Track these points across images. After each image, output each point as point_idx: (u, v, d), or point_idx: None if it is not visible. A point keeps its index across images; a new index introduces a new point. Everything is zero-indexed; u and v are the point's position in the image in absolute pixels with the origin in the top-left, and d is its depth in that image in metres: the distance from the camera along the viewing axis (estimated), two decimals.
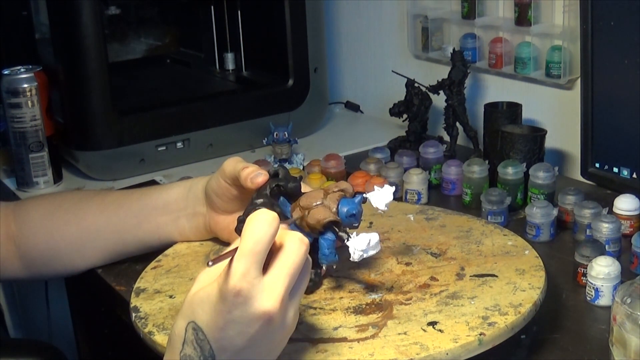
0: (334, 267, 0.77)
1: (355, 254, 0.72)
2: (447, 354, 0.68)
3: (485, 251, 0.87)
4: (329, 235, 0.74)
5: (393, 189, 0.77)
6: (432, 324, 0.72)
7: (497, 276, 0.81)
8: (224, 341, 0.60)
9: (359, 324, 0.73)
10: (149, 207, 0.91)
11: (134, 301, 0.80)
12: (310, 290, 0.78)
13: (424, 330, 0.71)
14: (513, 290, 0.78)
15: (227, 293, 0.59)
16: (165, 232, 0.91)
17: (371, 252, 0.72)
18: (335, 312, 0.75)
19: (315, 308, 0.76)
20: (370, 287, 0.80)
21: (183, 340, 0.61)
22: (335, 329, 0.72)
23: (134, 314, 0.77)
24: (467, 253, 0.87)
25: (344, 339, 0.70)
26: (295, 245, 0.62)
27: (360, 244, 0.72)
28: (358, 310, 0.75)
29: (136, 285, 0.84)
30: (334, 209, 0.74)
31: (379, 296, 0.78)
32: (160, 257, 0.90)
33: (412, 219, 0.96)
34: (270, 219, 0.60)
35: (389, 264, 0.85)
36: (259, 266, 0.60)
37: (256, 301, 0.59)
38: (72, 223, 0.92)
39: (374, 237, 0.72)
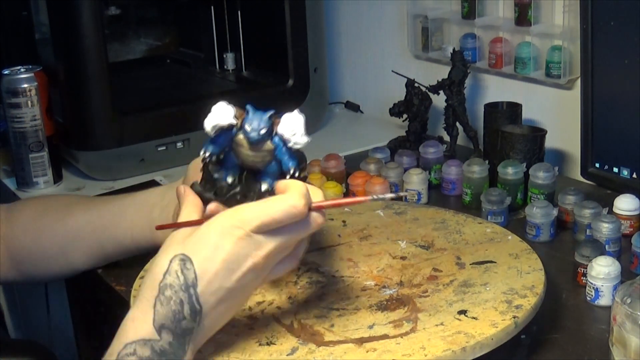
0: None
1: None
2: (492, 339, 0.69)
3: (471, 240, 0.88)
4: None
5: (302, 116, 0.71)
6: (463, 312, 0.73)
7: (495, 262, 0.82)
8: (214, 278, 0.64)
9: (391, 320, 0.72)
10: (126, 203, 0.90)
11: None
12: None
13: (458, 319, 0.72)
14: (518, 273, 0.79)
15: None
16: (138, 227, 0.88)
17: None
18: (359, 310, 0.75)
19: (337, 309, 0.75)
20: (380, 284, 0.80)
21: (166, 271, 0.64)
22: (371, 327, 0.72)
23: None
24: (454, 243, 0.88)
25: (386, 336, 0.70)
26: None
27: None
28: (381, 307, 0.75)
29: (132, 295, 0.81)
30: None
31: (394, 291, 0.78)
32: (147, 265, 0.88)
33: (381, 214, 0.96)
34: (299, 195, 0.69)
35: (384, 259, 0.85)
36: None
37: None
38: (59, 224, 0.92)
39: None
